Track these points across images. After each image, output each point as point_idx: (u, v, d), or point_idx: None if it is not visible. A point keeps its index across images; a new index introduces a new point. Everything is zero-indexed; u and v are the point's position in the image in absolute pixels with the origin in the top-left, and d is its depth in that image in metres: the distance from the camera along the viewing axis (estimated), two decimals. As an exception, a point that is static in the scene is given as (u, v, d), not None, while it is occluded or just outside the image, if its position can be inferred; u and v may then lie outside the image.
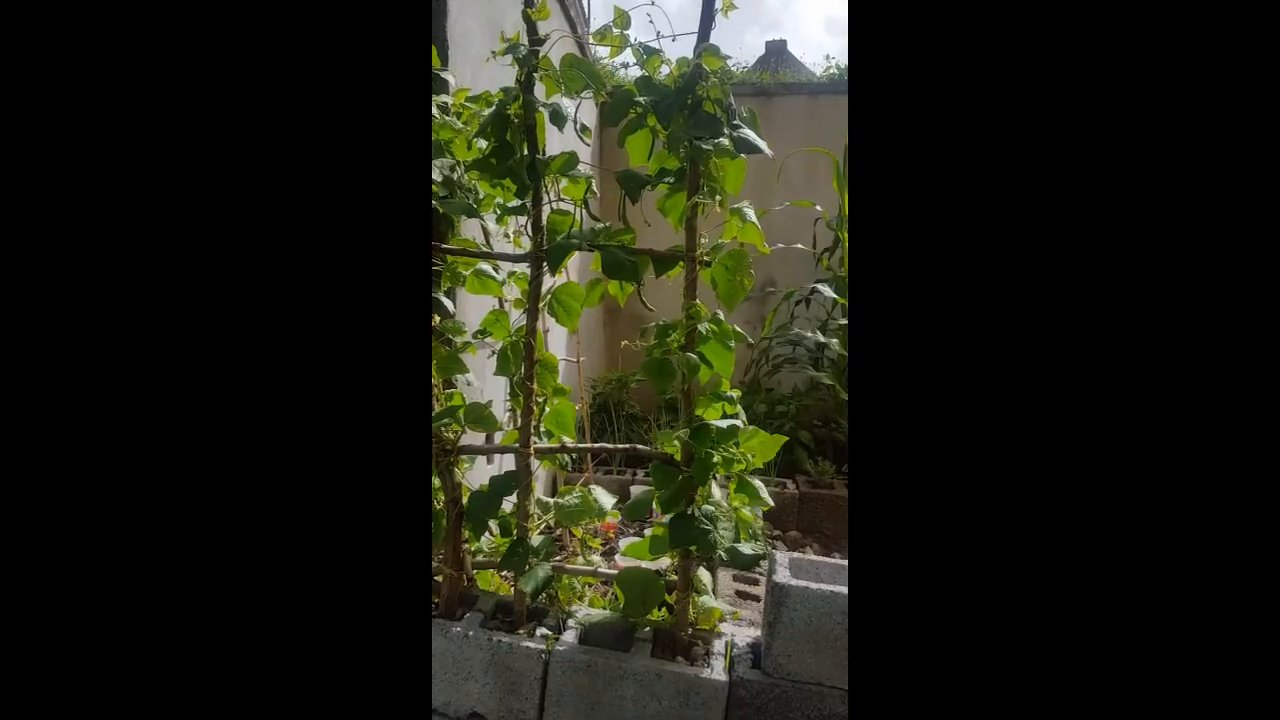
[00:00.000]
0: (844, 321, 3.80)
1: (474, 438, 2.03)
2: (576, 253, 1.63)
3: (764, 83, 5.06)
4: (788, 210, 4.00)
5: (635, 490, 3.40)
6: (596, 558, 1.99)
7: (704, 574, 1.82)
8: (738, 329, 1.58)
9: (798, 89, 4.96)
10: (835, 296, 3.71)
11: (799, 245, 4.06)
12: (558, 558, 2.41)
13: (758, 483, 1.67)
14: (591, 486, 1.82)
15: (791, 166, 4.42)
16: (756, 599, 2.71)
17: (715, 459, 1.51)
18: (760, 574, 2.82)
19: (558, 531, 2.35)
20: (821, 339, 3.67)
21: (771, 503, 1.70)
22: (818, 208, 4.07)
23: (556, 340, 3.49)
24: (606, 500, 1.78)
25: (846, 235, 3.96)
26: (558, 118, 1.48)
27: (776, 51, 8.15)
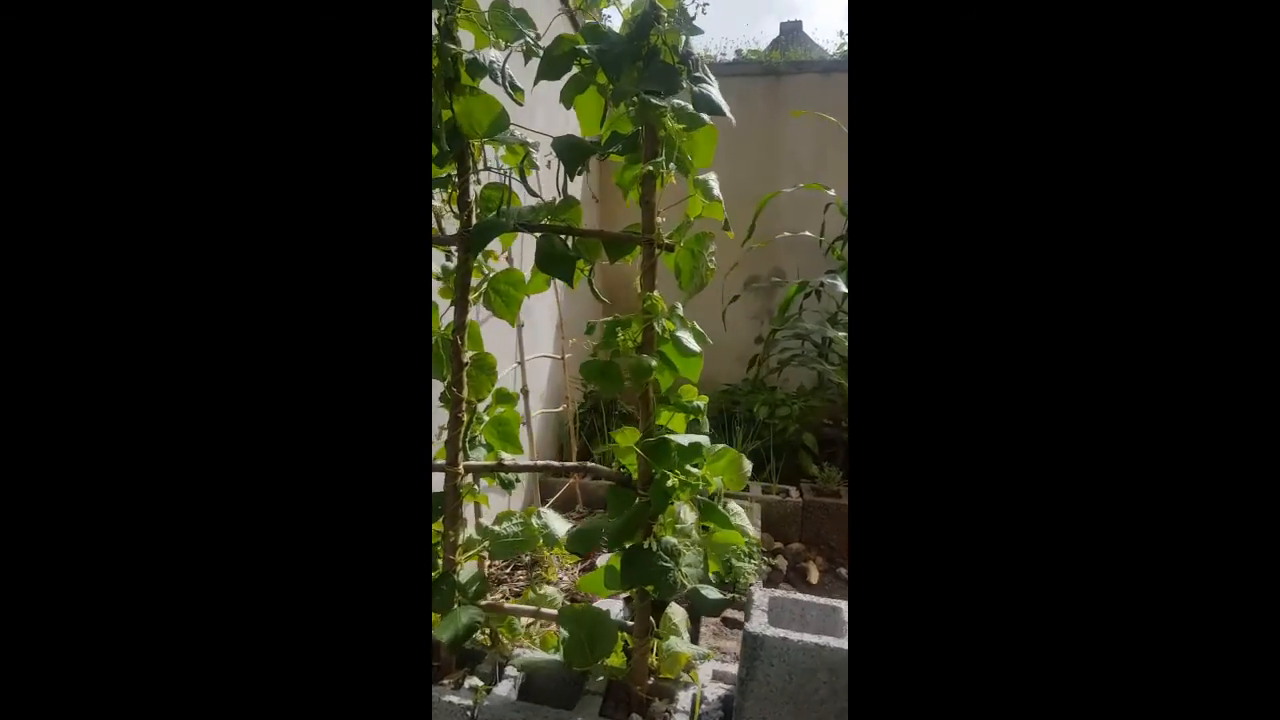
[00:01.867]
0: (855, 315, 3.48)
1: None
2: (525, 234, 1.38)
3: (774, 61, 4.74)
4: (796, 195, 3.70)
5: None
6: (550, 589, 1.73)
7: (677, 610, 1.56)
8: (700, 327, 1.31)
9: (809, 67, 4.63)
10: (847, 289, 3.41)
11: (806, 233, 3.76)
12: (519, 583, 2.16)
13: (735, 507, 1.41)
14: (541, 510, 1.56)
15: (800, 149, 4.12)
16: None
17: (671, 483, 1.24)
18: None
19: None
20: (829, 333, 3.37)
21: (753, 532, 1.43)
22: (830, 192, 3.76)
23: (541, 335, 3.24)
24: (559, 525, 1.53)
25: (858, 222, 3.64)
26: (476, 69, 1.22)
27: (791, 32, 7.76)
